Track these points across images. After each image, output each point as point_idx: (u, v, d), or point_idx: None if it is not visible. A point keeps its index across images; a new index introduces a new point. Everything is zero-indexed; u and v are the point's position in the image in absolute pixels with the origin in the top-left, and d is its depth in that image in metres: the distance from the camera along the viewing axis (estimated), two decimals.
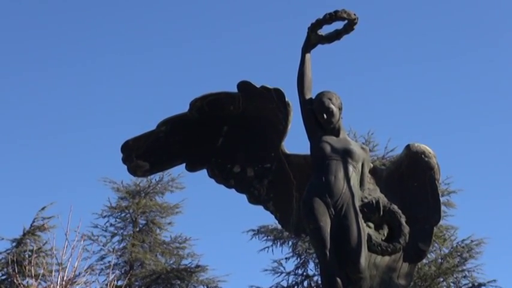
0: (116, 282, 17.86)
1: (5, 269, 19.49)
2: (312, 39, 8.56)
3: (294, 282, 20.15)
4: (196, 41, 35.75)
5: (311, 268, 20.15)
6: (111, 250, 21.05)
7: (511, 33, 36.21)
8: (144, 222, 22.03)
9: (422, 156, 8.59)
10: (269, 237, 20.60)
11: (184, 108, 8.76)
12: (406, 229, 8.41)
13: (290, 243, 20.29)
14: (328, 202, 8.08)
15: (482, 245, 19.40)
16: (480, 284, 19.09)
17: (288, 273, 20.24)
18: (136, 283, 21.26)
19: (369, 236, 8.25)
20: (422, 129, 30.89)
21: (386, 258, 8.42)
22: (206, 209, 30.28)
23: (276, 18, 36.09)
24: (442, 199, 9.13)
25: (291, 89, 8.51)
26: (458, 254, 19.30)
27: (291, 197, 8.72)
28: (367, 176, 8.53)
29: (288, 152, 8.72)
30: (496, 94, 34.43)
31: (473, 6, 36.14)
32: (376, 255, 8.34)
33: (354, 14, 8.46)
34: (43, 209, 20.32)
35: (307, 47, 8.57)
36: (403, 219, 8.42)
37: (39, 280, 15.62)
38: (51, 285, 14.55)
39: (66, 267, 14.23)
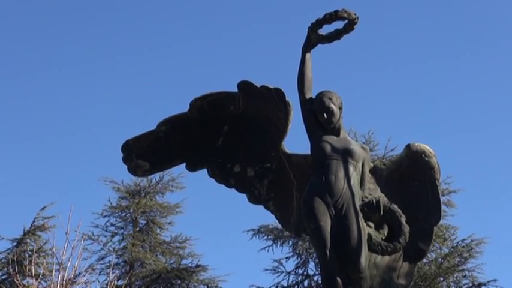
0: (116, 282, 17.86)
1: (5, 269, 19.49)
2: (312, 39, 8.56)
3: (294, 282, 20.15)
4: (196, 40, 35.79)
5: (311, 268, 20.16)
6: (112, 250, 21.07)
7: (511, 34, 36.23)
8: (144, 222, 22.02)
9: (423, 155, 8.59)
10: (269, 237, 20.60)
11: (184, 108, 8.78)
12: (406, 229, 8.41)
13: (290, 242, 20.28)
14: (328, 202, 8.09)
15: (482, 244, 19.40)
16: (480, 284, 19.08)
17: (288, 273, 20.24)
18: (137, 283, 21.25)
19: (369, 236, 8.25)
20: (422, 129, 30.91)
21: (387, 257, 8.42)
22: (206, 209, 30.30)
23: (276, 18, 36.11)
24: (442, 199, 9.13)
25: (291, 89, 8.52)
26: (459, 253, 19.29)
27: (291, 196, 8.73)
28: (368, 176, 8.53)
29: (288, 151, 8.72)
30: (496, 94, 34.45)
31: (473, 7, 36.16)
32: (376, 255, 8.35)
33: (354, 14, 8.46)
34: (43, 208, 20.33)
35: (308, 46, 8.57)
36: (403, 219, 8.42)
37: (39, 280, 15.60)
38: (52, 285, 14.54)
39: (66, 267, 14.22)
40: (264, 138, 8.77)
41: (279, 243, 20.48)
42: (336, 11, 8.43)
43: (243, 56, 35.50)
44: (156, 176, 22.03)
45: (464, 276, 19.20)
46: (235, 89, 8.62)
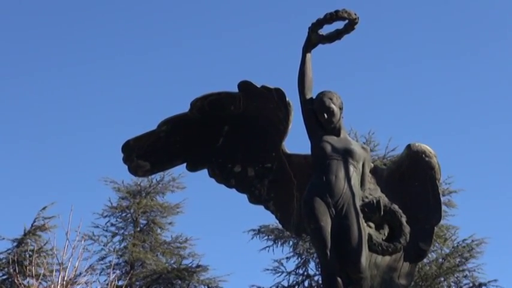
0: (116, 282, 17.87)
1: (6, 269, 19.49)
2: (313, 39, 8.56)
3: (294, 282, 20.15)
4: (196, 40, 35.77)
5: (312, 268, 20.17)
6: (112, 250, 21.07)
7: (511, 33, 36.22)
8: (145, 222, 22.03)
9: (423, 156, 8.59)
10: (270, 237, 20.60)
11: (185, 108, 8.77)
12: (407, 229, 8.41)
13: (291, 242, 20.29)
14: (328, 202, 8.08)
15: (483, 244, 19.41)
16: (481, 284, 19.09)
17: (289, 273, 20.25)
18: (137, 283, 21.26)
19: (370, 236, 8.25)
20: (423, 129, 30.91)
21: (387, 258, 8.42)
22: (207, 209, 30.29)
23: (276, 18, 36.10)
24: (442, 199, 9.14)
25: (292, 89, 8.52)
26: (459, 253, 19.30)
27: (291, 196, 8.72)
28: (368, 176, 8.53)
29: (288, 151, 8.72)
30: (496, 94, 34.45)
31: (474, 6, 36.16)
32: (376, 255, 8.34)
33: (355, 14, 8.46)
34: (44, 208, 20.32)
35: (308, 46, 8.57)
36: (403, 219, 8.42)
37: (39, 280, 15.60)
38: (52, 285, 14.55)
39: (67, 267, 14.24)
40: (264, 138, 8.76)
41: (279, 243, 20.49)
42: (337, 11, 8.43)
43: (244, 56, 35.52)
44: (157, 176, 22.08)
45: (465, 276, 19.21)
46: (236, 89, 8.62)
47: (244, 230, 20.89)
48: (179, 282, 21.40)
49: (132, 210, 21.75)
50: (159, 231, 22.02)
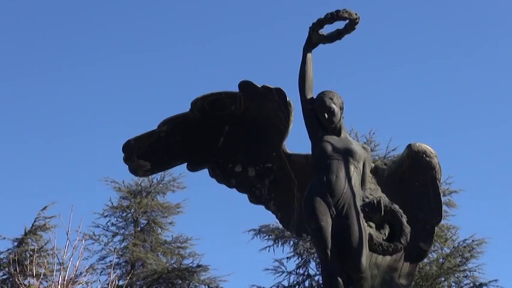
0: (117, 281, 17.86)
1: (7, 269, 19.47)
2: (313, 39, 8.56)
3: (295, 282, 20.14)
4: (197, 40, 35.77)
5: (312, 268, 20.15)
6: (113, 250, 21.07)
7: (511, 33, 36.22)
8: (145, 221, 22.02)
9: (424, 155, 8.59)
10: (270, 237, 20.59)
11: (185, 108, 8.77)
12: (408, 229, 8.41)
13: (291, 242, 20.27)
14: (329, 202, 8.08)
15: (483, 244, 19.39)
16: (481, 284, 19.08)
17: (289, 273, 20.23)
18: (138, 283, 21.25)
19: (370, 236, 8.25)
20: (423, 129, 30.92)
21: (388, 258, 8.42)
22: (207, 209, 30.30)
23: (277, 18, 36.10)
24: (443, 199, 9.13)
25: (292, 89, 8.52)
26: (460, 253, 19.28)
27: (292, 196, 8.73)
28: (369, 176, 8.53)
29: (289, 151, 8.72)
30: (497, 94, 34.44)
31: (474, 6, 36.15)
32: (377, 255, 8.34)
33: (356, 14, 8.45)
34: (44, 208, 20.31)
35: (309, 46, 8.56)
36: (404, 219, 8.41)
37: (40, 280, 15.60)
38: (53, 285, 14.54)
39: (67, 266, 14.20)
40: (265, 138, 8.77)
41: (280, 243, 20.47)
42: (337, 11, 8.42)
43: (244, 56, 35.51)
44: (157, 176, 22.06)
45: (466, 276, 19.20)
46: (236, 89, 8.62)
47: (244, 230, 20.89)
48: (180, 282, 21.40)
49: (132, 210, 21.75)
50: (159, 231, 22.01)
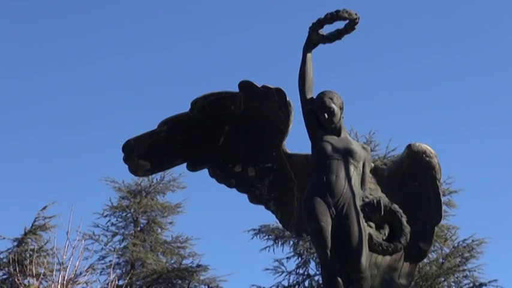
0: (117, 281, 17.86)
1: (6, 269, 19.48)
2: (313, 39, 8.56)
3: (295, 282, 20.14)
4: (197, 40, 35.78)
5: (312, 268, 20.16)
6: (112, 249, 21.08)
7: (511, 33, 36.22)
8: (145, 221, 22.02)
9: (424, 155, 8.59)
10: (270, 237, 20.60)
11: (185, 108, 8.77)
12: (407, 229, 8.41)
13: (291, 242, 20.28)
14: (329, 202, 8.09)
15: (483, 244, 19.41)
16: (481, 284, 19.08)
17: (289, 273, 20.24)
18: (138, 283, 21.26)
19: (370, 236, 8.25)
20: (423, 129, 30.92)
21: (387, 257, 8.42)
22: (207, 209, 30.30)
23: (277, 18, 36.11)
24: (443, 199, 9.12)
25: (292, 89, 8.52)
26: (460, 253, 19.29)
27: (292, 196, 8.73)
28: (368, 176, 8.53)
29: (289, 151, 8.72)
30: (497, 94, 34.44)
31: (474, 6, 36.16)
32: (377, 255, 8.34)
33: (355, 14, 8.46)
34: (44, 208, 20.32)
35: (309, 46, 8.57)
36: (404, 219, 8.41)
37: (40, 279, 15.60)
38: (52, 285, 14.55)
39: (67, 266, 14.22)
40: (265, 138, 8.77)
41: (279, 243, 20.48)
42: (337, 11, 8.43)
43: (244, 56, 35.51)
44: (157, 176, 22.07)
45: (465, 276, 19.21)
46: (236, 89, 8.62)
47: (244, 230, 20.90)
48: (179, 282, 21.40)
49: (132, 210, 21.75)
50: (159, 230, 22.01)
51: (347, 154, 8.26)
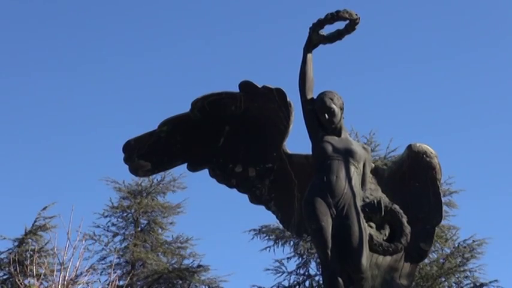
0: (117, 282, 17.86)
1: (7, 269, 19.49)
2: (314, 39, 8.55)
3: (295, 282, 20.15)
4: (197, 41, 35.79)
5: (312, 268, 20.17)
6: (113, 250, 21.08)
7: (511, 33, 36.22)
8: (145, 222, 22.04)
9: (424, 156, 8.59)
10: (271, 237, 20.61)
11: (185, 108, 8.77)
12: (408, 229, 8.41)
13: (292, 243, 20.29)
14: (329, 202, 8.08)
15: (484, 245, 19.42)
16: (482, 284, 19.09)
17: (290, 273, 20.25)
18: (138, 283, 21.26)
19: (371, 236, 8.25)
20: (423, 129, 30.93)
21: (388, 258, 8.42)
22: (208, 209, 30.32)
23: (277, 18, 36.12)
24: (443, 199, 9.14)
25: (293, 89, 8.52)
26: (460, 254, 19.30)
27: (292, 196, 8.72)
28: (369, 176, 8.53)
29: (289, 151, 8.72)
30: (497, 94, 34.45)
31: (474, 6, 36.16)
32: (377, 255, 8.34)
33: (356, 14, 8.45)
34: (45, 208, 20.33)
35: (309, 47, 8.56)
36: (404, 219, 8.41)
37: (40, 280, 15.60)
38: (53, 285, 14.55)
39: (67, 267, 14.22)
40: (265, 139, 8.76)
41: (280, 243, 20.49)
42: (338, 11, 8.42)
43: (245, 56, 35.52)
44: (158, 176, 22.09)
45: (466, 276, 19.22)
46: (237, 89, 8.62)
47: (245, 230, 20.92)
48: (180, 282, 21.41)
49: (133, 210, 21.76)
50: (160, 231, 22.02)
51: (347, 154, 8.26)
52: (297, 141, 8.98)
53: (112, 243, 21.52)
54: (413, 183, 8.67)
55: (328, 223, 8.02)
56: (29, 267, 16.05)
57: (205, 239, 25.03)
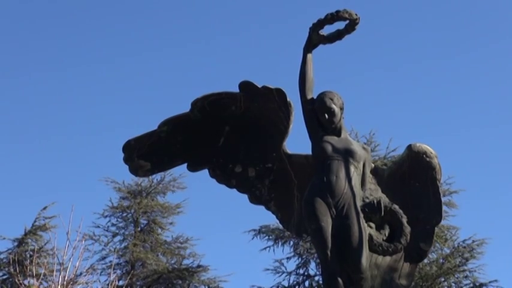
0: (117, 282, 17.88)
1: (7, 269, 19.51)
2: (314, 39, 8.55)
3: (295, 282, 20.16)
4: (197, 41, 35.81)
5: (312, 268, 20.18)
6: (113, 250, 21.10)
7: (511, 33, 36.23)
8: (145, 222, 22.05)
9: (424, 156, 8.59)
10: (270, 237, 20.61)
11: (185, 108, 8.77)
12: (408, 229, 8.41)
13: (291, 243, 20.30)
14: (329, 202, 8.08)
15: (483, 245, 19.43)
16: (481, 284, 19.09)
17: (289, 273, 20.26)
18: (138, 283, 21.27)
19: (370, 236, 8.25)
20: (423, 129, 30.94)
21: (388, 258, 8.41)
22: (208, 209, 30.34)
23: (277, 18, 36.13)
24: (443, 199, 9.13)
25: (293, 89, 8.52)
26: (460, 254, 19.31)
27: (292, 197, 8.72)
28: (369, 176, 8.53)
29: (289, 151, 8.71)
30: (497, 94, 34.46)
31: (473, 6, 36.16)
32: (377, 256, 8.34)
33: (356, 14, 8.45)
34: (44, 208, 20.36)
35: (309, 47, 8.56)
36: (404, 220, 8.41)
37: (40, 280, 15.61)
38: (53, 285, 14.56)
39: (67, 267, 14.24)
40: (265, 139, 8.76)
41: (280, 243, 20.50)
42: (338, 11, 8.42)
43: (244, 57, 35.53)
44: (157, 176, 22.12)
45: (466, 276, 19.22)
46: (237, 89, 8.62)
47: (244, 230, 20.93)
48: (180, 282, 21.42)
49: (132, 210, 21.77)
50: (159, 231, 22.03)
51: (347, 154, 8.26)
52: (297, 141, 8.98)
53: (112, 243, 21.56)
54: (413, 183, 8.66)
55: (328, 223, 8.02)
56: (28, 267, 16.07)
57: (205, 239, 25.08)
